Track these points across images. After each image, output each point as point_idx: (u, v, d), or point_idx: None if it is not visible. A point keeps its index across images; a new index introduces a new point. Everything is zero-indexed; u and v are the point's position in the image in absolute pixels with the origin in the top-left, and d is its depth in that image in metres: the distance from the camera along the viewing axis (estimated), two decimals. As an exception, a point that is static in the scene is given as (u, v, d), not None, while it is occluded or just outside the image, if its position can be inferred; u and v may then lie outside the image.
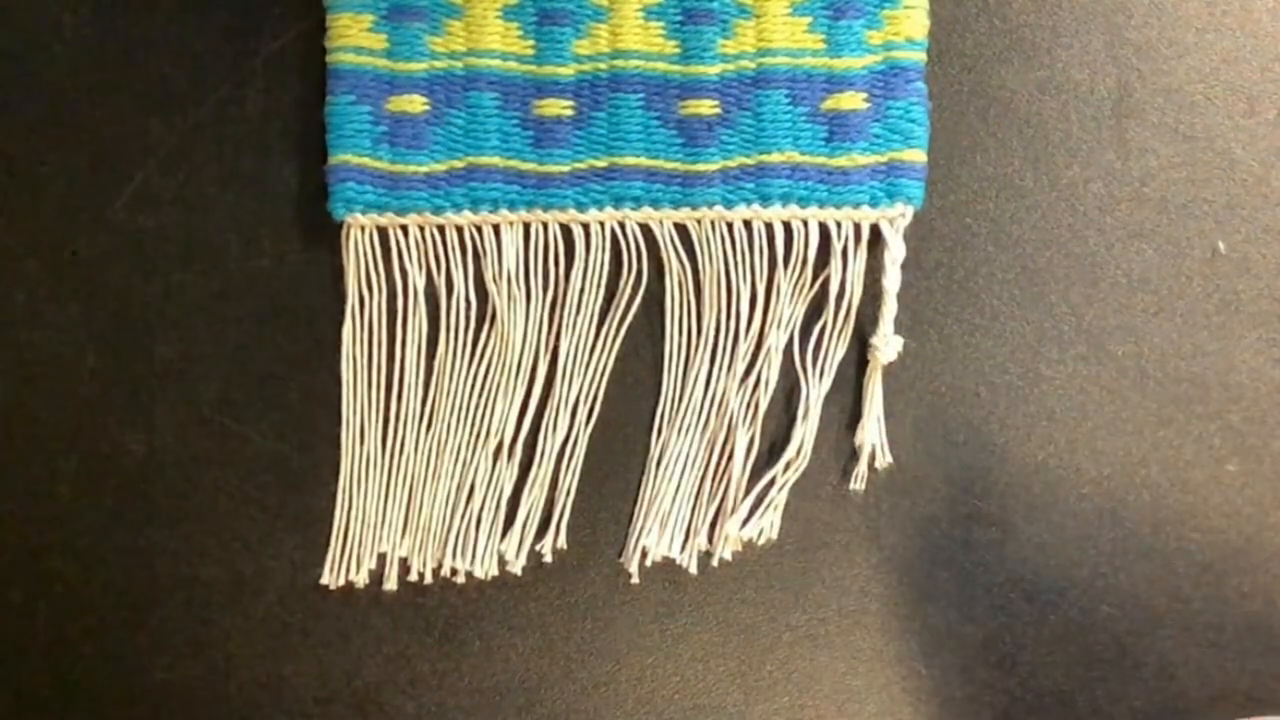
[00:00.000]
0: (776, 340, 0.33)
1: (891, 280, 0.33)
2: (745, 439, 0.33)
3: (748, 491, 0.33)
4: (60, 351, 0.34)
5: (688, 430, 0.33)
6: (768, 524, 0.33)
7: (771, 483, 0.33)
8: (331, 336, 0.33)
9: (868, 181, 0.33)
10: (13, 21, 0.34)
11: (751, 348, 0.33)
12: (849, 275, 0.33)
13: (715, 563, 0.33)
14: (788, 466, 0.33)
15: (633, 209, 0.33)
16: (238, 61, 0.34)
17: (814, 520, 0.34)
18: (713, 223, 0.33)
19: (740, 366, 0.33)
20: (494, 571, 0.33)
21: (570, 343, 0.33)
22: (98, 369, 0.34)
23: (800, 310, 0.33)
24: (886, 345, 0.33)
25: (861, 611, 0.34)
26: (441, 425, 0.33)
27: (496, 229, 0.33)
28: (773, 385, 0.33)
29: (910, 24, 0.33)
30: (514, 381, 0.33)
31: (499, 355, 0.33)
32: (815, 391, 0.33)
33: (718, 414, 0.33)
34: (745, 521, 0.33)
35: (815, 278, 0.33)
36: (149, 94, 0.34)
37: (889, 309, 0.33)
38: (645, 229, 0.33)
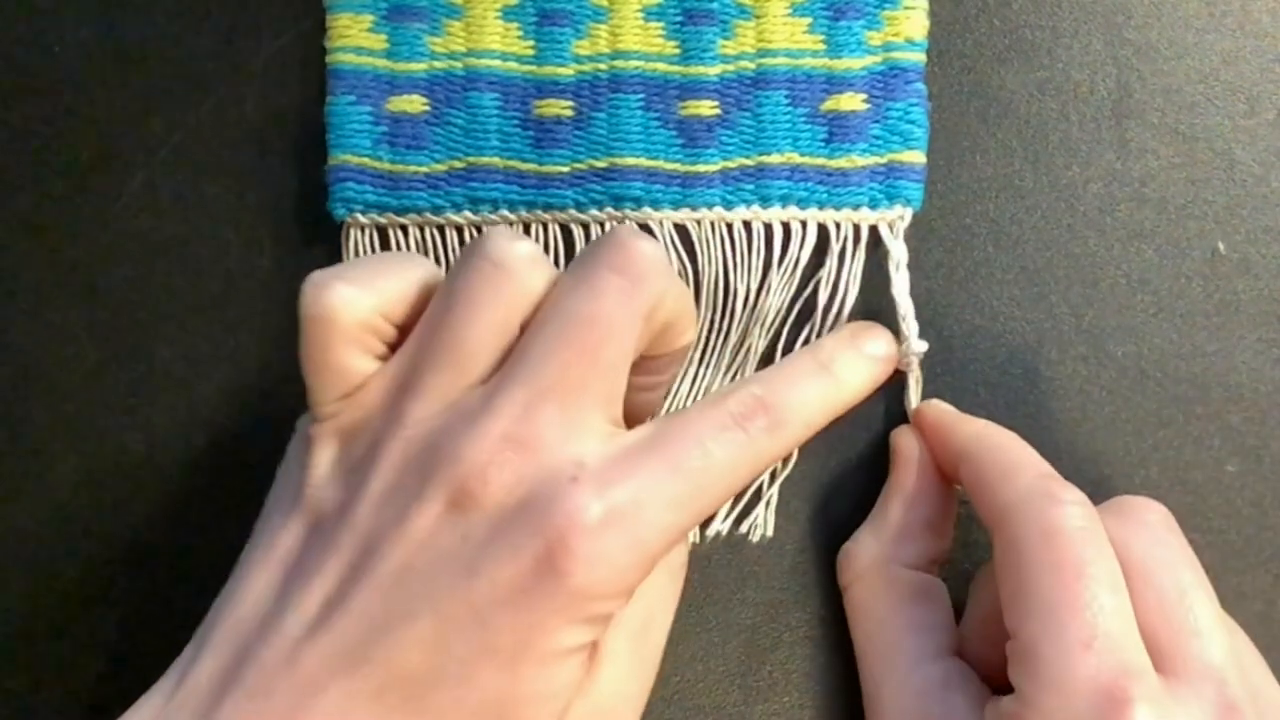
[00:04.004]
0: (757, 339, 0.33)
1: (900, 284, 0.33)
2: None
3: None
4: (60, 351, 0.34)
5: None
6: (762, 522, 0.33)
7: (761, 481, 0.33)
8: (331, 336, 0.33)
9: (867, 183, 0.33)
10: (13, 21, 0.34)
11: (737, 345, 0.33)
12: (844, 277, 0.33)
13: (710, 562, 0.33)
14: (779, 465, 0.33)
15: (632, 209, 0.33)
16: (238, 61, 0.34)
17: (814, 520, 0.34)
18: (712, 224, 0.33)
19: (724, 364, 0.33)
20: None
21: (570, 343, 0.33)
22: (98, 369, 0.34)
23: (785, 308, 0.33)
24: (912, 352, 0.33)
25: (861, 612, 0.34)
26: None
27: (496, 229, 0.33)
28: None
29: (910, 25, 0.33)
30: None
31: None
32: None
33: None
34: (739, 520, 0.33)
35: (810, 279, 0.33)
36: (149, 94, 0.34)
37: (907, 313, 0.33)
38: (645, 229, 0.33)
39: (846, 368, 0.31)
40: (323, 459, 0.27)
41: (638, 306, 0.26)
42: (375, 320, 0.27)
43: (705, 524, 0.33)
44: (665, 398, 0.33)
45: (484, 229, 0.33)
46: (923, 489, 0.32)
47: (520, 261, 0.27)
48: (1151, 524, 0.29)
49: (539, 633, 0.24)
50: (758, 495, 0.33)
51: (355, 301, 0.26)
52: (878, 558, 0.32)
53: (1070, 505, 0.27)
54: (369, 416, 0.27)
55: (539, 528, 0.24)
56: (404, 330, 0.28)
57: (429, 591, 0.24)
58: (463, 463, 0.25)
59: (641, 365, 0.28)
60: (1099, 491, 0.33)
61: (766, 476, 0.33)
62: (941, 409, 0.32)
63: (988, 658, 0.29)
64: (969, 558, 0.33)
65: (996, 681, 0.29)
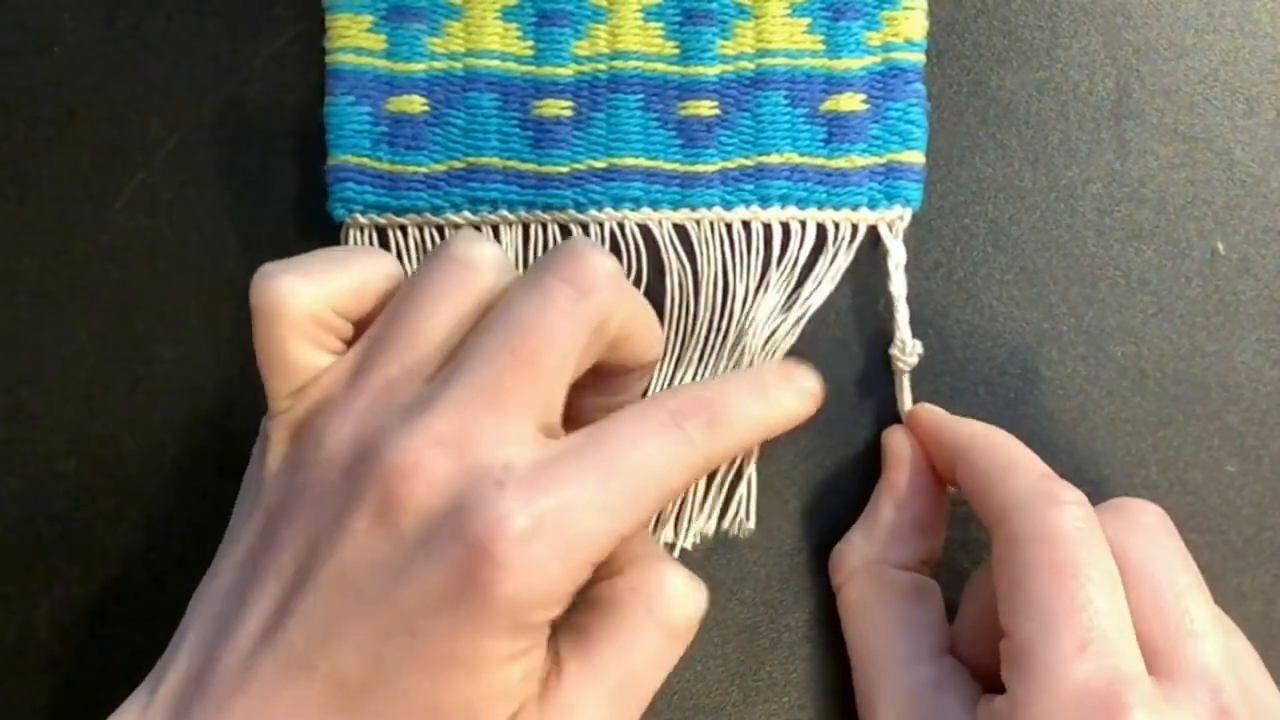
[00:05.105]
0: (754, 339, 0.33)
1: (898, 285, 0.33)
2: None
3: (719, 488, 0.33)
4: (60, 351, 0.34)
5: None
6: (743, 515, 0.33)
7: (739, 477, 0.33)
8: (331, 337, 0.33)
9: (866, 183, 0.33)
10: (13, 21, 0.34)
11: (735, 345, 0.33)
12: (828, 274, 0.33)
13: (709, 562, 0.33)
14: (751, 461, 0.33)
15: (632, 210, 0.33)
16: (238, 61, 0.34)
17: (812, 520, 0.34)
18: (711, 224, 0.33)
19: (722, 364, 0.33)
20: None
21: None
22: (97, 371, 0.34)
23: (784, 307, 0.33)
24: (907, 353, 0.33)
25: (861, 612, 0.33)
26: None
27: (496, 230, 0.33)
28: None
29: (909, 25, 0.33)
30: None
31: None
32: None
33: None
34: (721, 517, 0.33)
35: (805, 278, 0.33)
36: (149, 94, 0.34)
37: (902, 315, 0.33)
38: (644, 229, 0.33)
39: (782, 393, 0.30)
40: (275, 454, 0.27)
41: (584, 318, 0.26)
42: (325, 314, 0.26)
43: (690, 524, 0.33)
44: None
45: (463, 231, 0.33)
46: (915, 489, 0.32)
47: (485, 261, 0.27)
48: (1148, 526, 0.28)
49: (466, 642, 0.24)
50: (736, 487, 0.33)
51: (302, 293, 0.26)
52: (869, 558, 0.31)
53: (1069, 505, 0.27)
54: (316, 410, 0.26)
55: (462, 535, 0.24)
56: (361, 327, 0.27)
57: (362, 598, 0.24)
58: (390, 465, 0.24)
59: (604, 383, 0.28)
60: (1099, 491, 0.33)
61: (744, 476, 0.33)
62: (937, 412, 0.32)
63: (981, 656, 0.29)
64: (969, 557, 0.33)
65: (989, 679, 0.29)
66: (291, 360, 0.26)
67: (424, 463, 0.24)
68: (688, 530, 0.33)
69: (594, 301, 0.26)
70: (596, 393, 0.28)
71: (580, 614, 0.27)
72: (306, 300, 0.26)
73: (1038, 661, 0.26)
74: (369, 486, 0.24)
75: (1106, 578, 0.26)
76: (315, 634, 0.24)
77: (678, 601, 0.27)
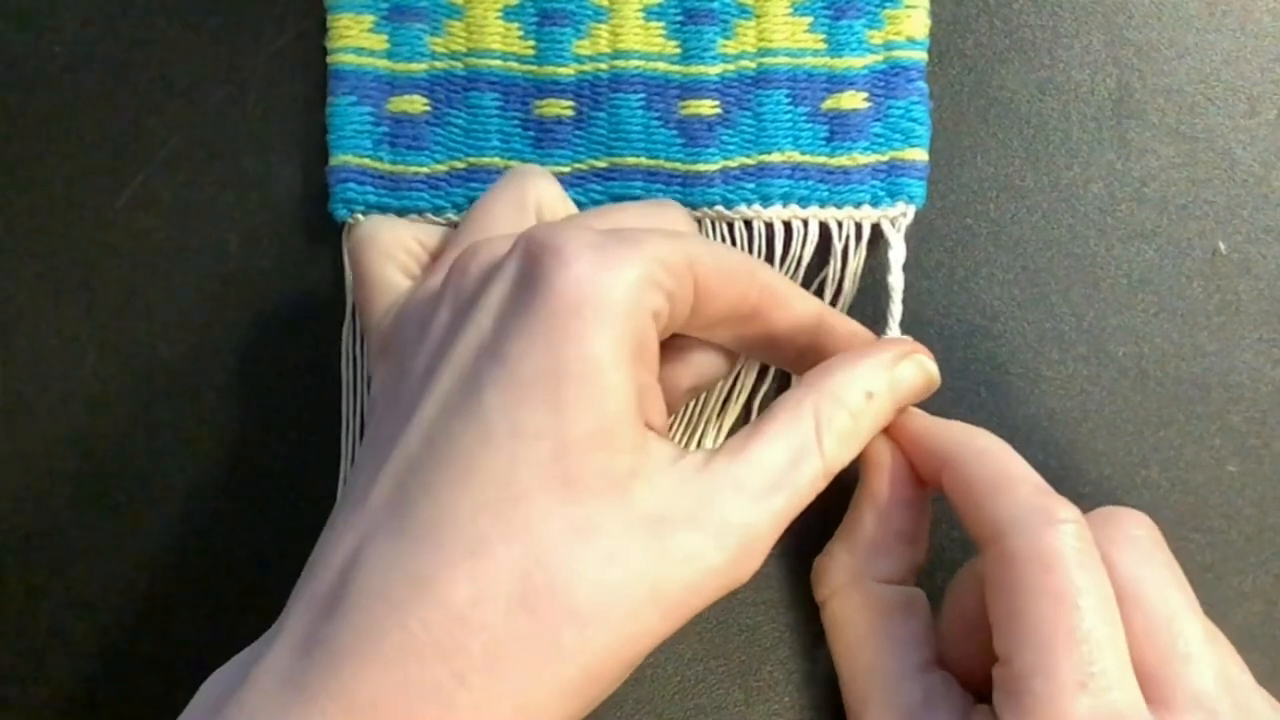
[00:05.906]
0: None
1: (896, 278, 0.33)
2: (714, 433, 0.33)
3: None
4: (60, 351, 0.34)
5: (669, 425, 0.33)
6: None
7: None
8: (331, 336, 0.33)
9: (869, 181, 0.33)
10: (13, 21, 0.34)
11: None
12: (846, 275, 0.33)
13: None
14: None
15: (633, 209, 0.33)
16: (238, 61, 0.34)
17: (814, 518, 0.34)
18: (713, 222, 0.33)
19: None
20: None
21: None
22: (98, 369, 0.34)
23: None
24: None
25: (862, 612, 0.33)
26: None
27: (497, 229, 0.33)
28: (751, 379, 0.33)
29: (911, 23, 0.33)
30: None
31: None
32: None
33: (700, 408, 0.33)
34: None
35: (813, 277, 0.33)
36: (149, 94, 0.34)
37: (895, 308, 0.33)
38: (645, 229, 0.33)
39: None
40: (377, 374, 0.28)
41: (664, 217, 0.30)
42: (410, 241, 0.29)
43: None
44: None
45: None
46: (896, 499, 0.30)
47: (540, 172, 0.30)
48: (1139, 539, 0.28)
49: (561, 342, 0.24)
50: None
51: (389, 224, 0.30)
52: (853, 573, 0.30)
53: (1066, 525, 0.26)
54: (402, 308, 0.29)
55: (525, 245, 0.25)
56: None
57: (450, 371, 0.25)
58: (458, 259, 0.27)
59: (676, 349, 0.29)
60: (1099, 491, 0.33)
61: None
62: (916, 413, 0.31)
63: (968, 662, 0.29)
64: (968, 556, 0.33)
65: (977, 686, 0.28)
66: (379, 278, 0.29)
67: (487, 241, 0.27)
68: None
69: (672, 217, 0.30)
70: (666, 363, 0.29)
71: None
72: (398, 230, 0.30)
73: (1035, 695, 0.25)
74: (447, 290, 0.27)
75: (1105, 605, 0.26)
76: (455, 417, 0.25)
77: (842, 421, 0.27)
